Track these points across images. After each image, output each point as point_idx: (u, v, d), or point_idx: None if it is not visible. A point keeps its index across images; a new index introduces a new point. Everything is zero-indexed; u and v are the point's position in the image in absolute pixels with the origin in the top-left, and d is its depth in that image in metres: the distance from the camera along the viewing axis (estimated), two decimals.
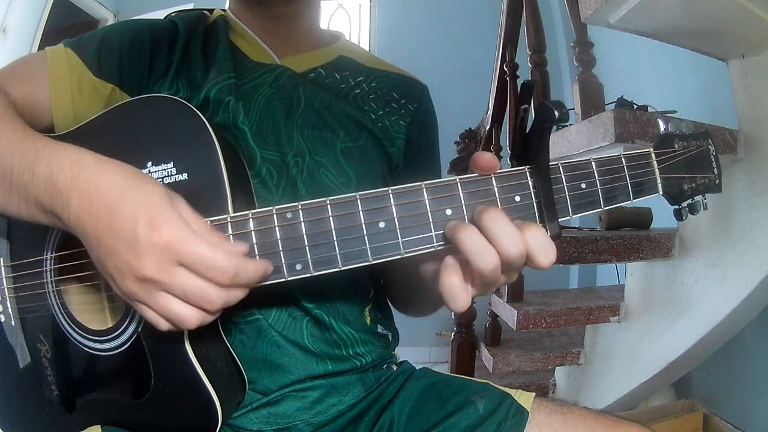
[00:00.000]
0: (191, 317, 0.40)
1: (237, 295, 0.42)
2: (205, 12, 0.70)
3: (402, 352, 0.72)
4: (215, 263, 0.39)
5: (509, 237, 0.40)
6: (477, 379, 0.65)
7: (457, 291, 0.41)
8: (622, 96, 1.43)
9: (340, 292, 0.62)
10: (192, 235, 0.39)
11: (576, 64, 1.55)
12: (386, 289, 0.72)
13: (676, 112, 1.35)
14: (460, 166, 1.79)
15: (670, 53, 1.63)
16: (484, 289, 0.43)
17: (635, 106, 1.36)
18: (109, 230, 0.39)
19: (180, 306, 0.40)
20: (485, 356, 1.70)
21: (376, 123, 0.68)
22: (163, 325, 0.41)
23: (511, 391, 0.60)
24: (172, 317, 0.40)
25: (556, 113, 0.42)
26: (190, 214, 0.41)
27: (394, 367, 0.70)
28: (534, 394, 0.60)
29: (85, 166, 0.41)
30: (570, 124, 1.32)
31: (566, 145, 1.26)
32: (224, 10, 0.71)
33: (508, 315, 1.50)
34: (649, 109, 1.33)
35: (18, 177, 0.43)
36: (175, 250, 0.38)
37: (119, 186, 0.40)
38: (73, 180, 0.41)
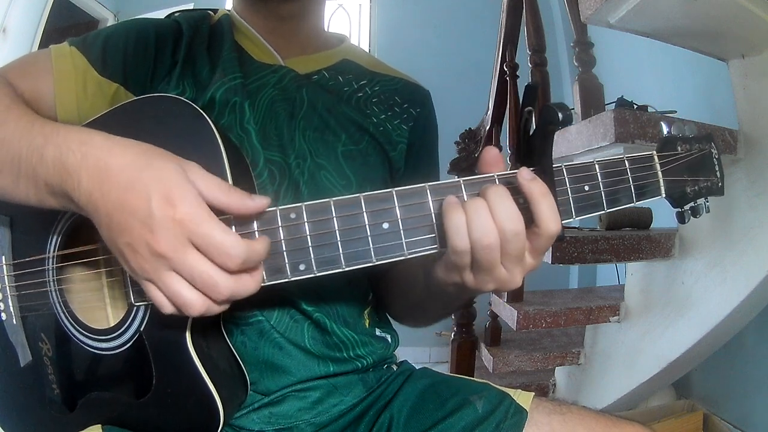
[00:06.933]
0: (196, 303, 0.40)
1: (245, 285, 0.41)
2: (209, 12, 0.70)
3: (402, 352, 0.72)
4: (226, 248, 0.39)
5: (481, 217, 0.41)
6: (476, 380, 0.65)
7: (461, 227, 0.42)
8: (622, 96, 1.43)
9: (339, 296, 0.62)
10: (207, 216, 0.39)
11: (576, 64, 1.55)
12: (385, 298, 0.71)
13: (675, 112, 1.35)
14: (460, 166, 1.79)
15: (670, 53, 1.62)
16: (485, 279, 0.44)
17: (635, 106, 1.36)
18: (121, 208, 0.39)
19: (187, 290, 0.40)
20: (485, 356, 1.70)
21: (378, 127, 0.68)
22: (168, 309, 0.41)
23: (510, 391, 0.60)
24: (178, 300, 0.40)
25: (560, 115, 0.42)
26: (205, 178, 0.41)
27: (395, 367, 0.70)
28: (533, 393, 0.60)
29: (94, 145, 0.41)
30: (570, 125, 1.32)
31: (566, 144, 1.26)
32: (229, 11, 0.71)
33: (508, 315, 1.50)
34: (649, 109, 1.33)
35: (27, 162, 0.43)
36: (188, 229, 0.38)
37: (130, 164, 0.40)
38: (82, 160, 0.41)
